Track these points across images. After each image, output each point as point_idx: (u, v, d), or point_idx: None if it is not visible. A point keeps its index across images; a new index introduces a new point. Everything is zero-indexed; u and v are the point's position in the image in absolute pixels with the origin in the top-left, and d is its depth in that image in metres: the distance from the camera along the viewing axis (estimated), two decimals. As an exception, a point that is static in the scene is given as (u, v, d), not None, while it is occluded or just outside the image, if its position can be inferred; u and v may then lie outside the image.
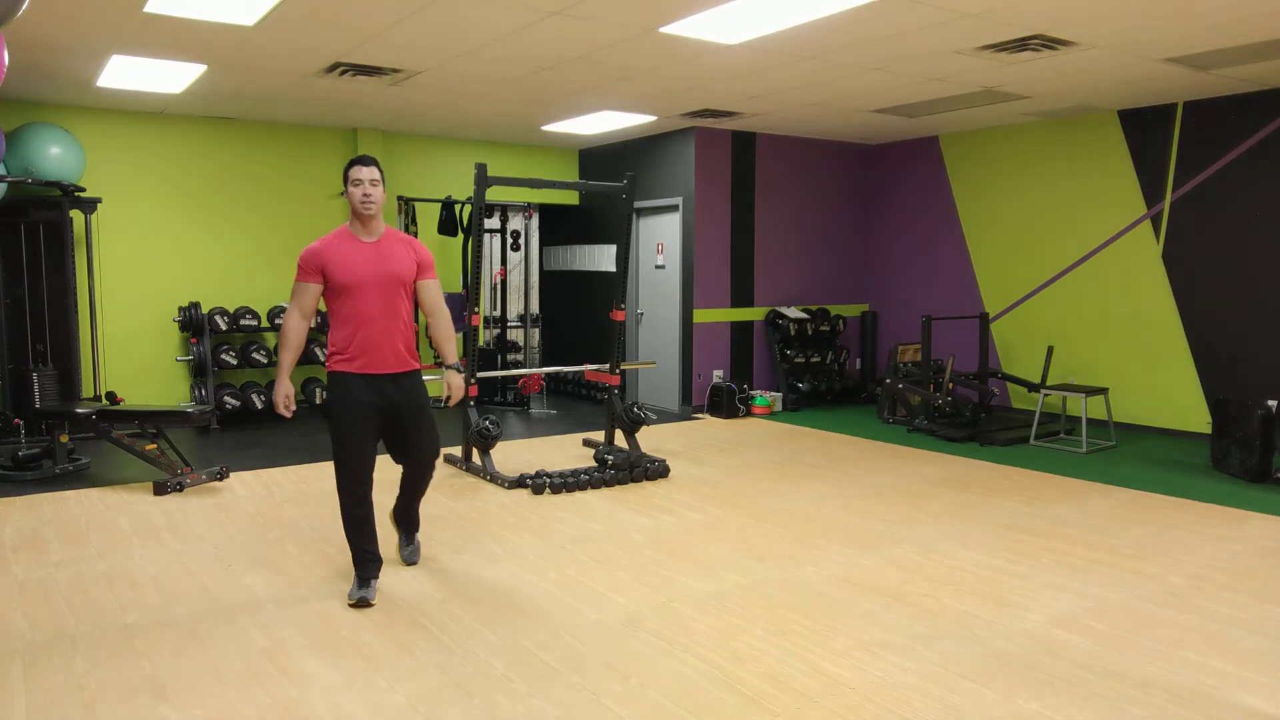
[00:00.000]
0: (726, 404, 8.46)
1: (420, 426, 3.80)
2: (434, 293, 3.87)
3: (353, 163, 3.68)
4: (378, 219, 3.70)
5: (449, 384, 3.88)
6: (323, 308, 3.87)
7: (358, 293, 3.61)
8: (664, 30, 5.15)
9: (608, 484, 5.80)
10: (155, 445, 5.82)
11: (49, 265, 7.03)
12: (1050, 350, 7.63)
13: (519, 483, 5.72)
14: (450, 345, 3.90)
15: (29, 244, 7.00)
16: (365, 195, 3.62)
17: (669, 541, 4.62)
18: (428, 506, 4.93)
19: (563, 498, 5.53)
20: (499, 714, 2.80)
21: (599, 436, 7.18)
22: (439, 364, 3.99)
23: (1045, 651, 3.27)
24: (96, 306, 7.54)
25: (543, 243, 10.86)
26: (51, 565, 4.24)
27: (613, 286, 6.74)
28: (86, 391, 7.47)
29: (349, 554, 4.33)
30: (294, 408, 3.68)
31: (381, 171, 3.69)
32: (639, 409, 6.29)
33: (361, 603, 3.72)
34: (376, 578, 3.84)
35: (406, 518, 4.18)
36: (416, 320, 3.86)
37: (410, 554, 4.23)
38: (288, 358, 3.68)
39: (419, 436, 3.81)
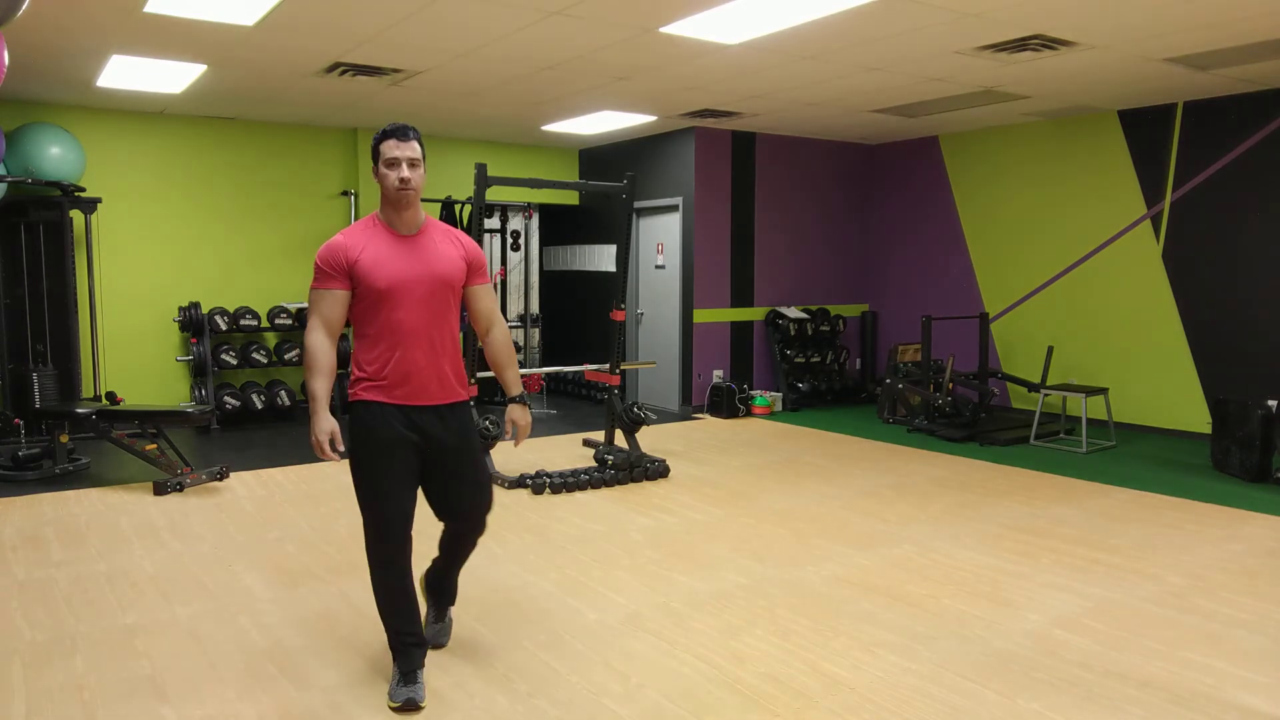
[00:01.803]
0: (726, 404, 8.46)
1: (469, 476, 2.96)
2: (488, 301, 3.03)
3: (385, 135, 2.79)
4: (416, 208, 2.87)
5: (514, 420, 3.04)
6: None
7: (395, 301, 2.79)
8: (664, 30, 5.15)
9: (608, 484, 5.80)
10: (155, 445, 5.82)
11: (49, 265, 7.03)
12: (1050, 350, 7.62)
13: (519, 483, 5.72)
14: (512, 371, 3.06)
15: (29, 244, 7.00)
16: (403, 180, 2.77)
17: (669, 541, 4.62)
18: (425, 506, 4.65)
19: (563, 498, 5.53)
20: (499, 714, 2.80)
21: (599, 436, 7.18)
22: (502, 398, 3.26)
23: (1045, 651, 3.27)
24: (96, 306, 7.54)
25: (543, 243, 10.86)
26: (51, 565, 4.24)
27: (613, 286, 6.73)
28: (86, 391, 7.47)
29: (349, 553, 4.35)
30: (341, 447, 2.77)
31: (423, 147, 2.85)
32: (639, 409, 6.28)
33: (409, 706, 2.81)
34: (422, 667, 2.93)
35: (441, 588, 3.24)
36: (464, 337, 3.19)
37: (438, 633, 3.27)
38: (321, 385, 2.77)
39: (468, 489, 2.97)
